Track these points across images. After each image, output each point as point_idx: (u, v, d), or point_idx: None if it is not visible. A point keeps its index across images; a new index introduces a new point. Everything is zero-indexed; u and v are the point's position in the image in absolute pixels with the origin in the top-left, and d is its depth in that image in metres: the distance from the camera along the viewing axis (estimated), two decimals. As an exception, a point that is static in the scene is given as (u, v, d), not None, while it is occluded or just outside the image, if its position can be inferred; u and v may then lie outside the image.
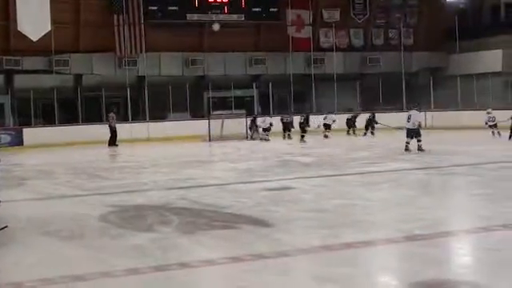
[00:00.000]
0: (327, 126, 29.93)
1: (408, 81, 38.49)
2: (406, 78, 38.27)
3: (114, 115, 29.49)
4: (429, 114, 32.66)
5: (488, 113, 27.63)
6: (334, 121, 30.09)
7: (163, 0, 34.65)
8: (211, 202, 11.20)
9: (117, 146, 28.36)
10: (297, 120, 29.86)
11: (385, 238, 8.01)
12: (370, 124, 30.53)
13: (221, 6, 35.93)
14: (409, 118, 20.37)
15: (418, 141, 20.03)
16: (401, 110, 34.48)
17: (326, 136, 29.27)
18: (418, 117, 20.54)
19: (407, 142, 20.04)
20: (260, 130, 30.19)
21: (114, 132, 28.87)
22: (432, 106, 34.49)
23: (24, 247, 8.05)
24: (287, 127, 30.40)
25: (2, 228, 4.42)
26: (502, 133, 25.36)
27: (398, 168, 15.99)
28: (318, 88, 37.55)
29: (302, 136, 27.77)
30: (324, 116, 30.50)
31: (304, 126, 28.46)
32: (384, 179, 14.01)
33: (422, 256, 6.94)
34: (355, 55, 39.42)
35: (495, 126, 26.74)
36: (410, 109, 21.39)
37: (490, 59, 36.87)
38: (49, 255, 7.71)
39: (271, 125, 29.76)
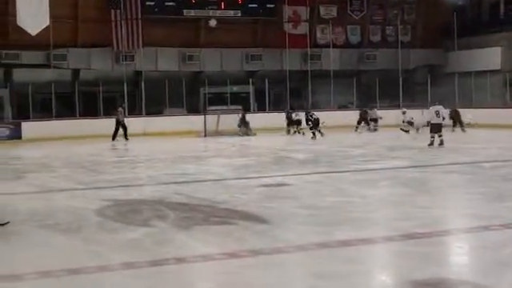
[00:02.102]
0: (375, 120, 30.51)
1: (405, 78, 38.49)
2: (403, 75, 38.26)
3: (122, 110, 29.89)
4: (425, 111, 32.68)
5: (403, 112, 27.95)
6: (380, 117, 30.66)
7: (160, -4, 34.75)
8: (207, 198, 11.22)
9: (127, 139, 28.66)
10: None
11: (382, 236, 8.01)
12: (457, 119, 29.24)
13: (217, 2, 35.92)
14: (438, 114, 20.58)
15: (440, 136, 20.41)
16: (397, 107, 34.51)
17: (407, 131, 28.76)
18: (445, 112, 21.08)
19: (433, 137, 20.37)
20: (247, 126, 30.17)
21: (123, 126, 29.10)
22: (429, 104, 34.44)
23: (23, 240, 8.08)
24: (296, 123, 30.25)
25: (4, 224, 4.45)
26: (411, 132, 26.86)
27: (394, 166, 16.02)
28: (315, 84, 37.55)
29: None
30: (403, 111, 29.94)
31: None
32: (381, 177, 14.04)
33: (419, 254, 6.94)
34: (352, 52, 39.38)
35: (411, 124, 27.45)
36: (433, 105, 21.51)
37: (489, 57, 36.69)
38: (47, 248, 7.74)
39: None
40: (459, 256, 7.23)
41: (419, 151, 19.41)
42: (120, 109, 29.87)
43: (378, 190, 12.20)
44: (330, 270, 6.39)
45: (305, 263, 6.89)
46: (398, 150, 20.06)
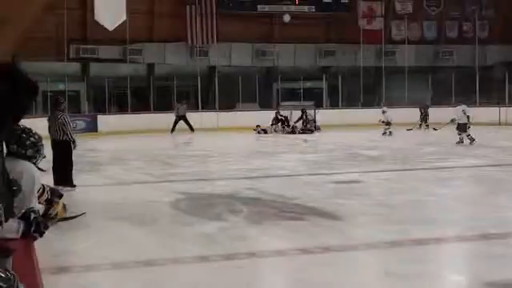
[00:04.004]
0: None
1: (482, 75, 37.56)
2: (480, 72, 37.35)
3: (179, 106, 30.93)
4: (503, 109, 31.95)
5: (384, 112, 27.06)
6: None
7: (235, -9, 35.02)
8: (279, 193, 11.23)
9: (193, 131, 29.78)
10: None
11: (457, 236, 7.87)
12: None
13: (292, -2, 35.96)
14: (464, 113, 21.18)
15: (468, 134, 20.95)
16: (474, 104, 33.76)
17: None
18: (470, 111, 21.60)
19: (460, 134, 21.04)
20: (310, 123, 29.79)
21: (185, 120, 30.20)
22: (507, 102, 33.55)
23: (97, 231, 8.26)
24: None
25: (80, 215, 4.55)
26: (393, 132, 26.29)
27: (469, 164, 15.69)
28: (389, 81, 37.10)
29: None
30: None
31: None
32: (455, 175, 13.79)
33: (496, 255, 6.77)
34: (427, 48, 38.74)
35: (389, 124, 26.76)
36: (459, 105, 22.03)
37: None
38: (121, 240, 7.90)
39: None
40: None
41: (494, 150, 18.95)
42: (178, 104, 30.95)
43: (451, 188, 11.97)
44: (400, 269, 6.30)
45: (376, 261, 6.84)
46: (472, 148, 19.62)
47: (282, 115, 30.35)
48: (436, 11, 38.68)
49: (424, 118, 30.76)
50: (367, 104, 35.42)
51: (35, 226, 3.28)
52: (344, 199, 10.50)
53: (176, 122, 30.09)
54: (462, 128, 21.11)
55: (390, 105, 33.84)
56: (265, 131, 29.36)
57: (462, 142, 20.89)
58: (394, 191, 11.53)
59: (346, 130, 29.78)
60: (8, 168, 3.19)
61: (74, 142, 12.06)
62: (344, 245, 7.38)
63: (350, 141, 24.35)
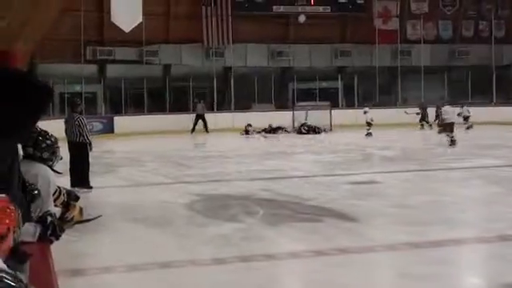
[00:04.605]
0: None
1: (498, 74, 37.31)
2: (497, 72, 37.10)
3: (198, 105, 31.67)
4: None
5: (365, 112, 27.00)
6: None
7: (250, -8, 35.05)
8: (294, 194, 11.21)
9: (208, 132, 30.14)
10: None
11: (475, 237, 7.83)
12: None
13: (307, -2, 35.91)
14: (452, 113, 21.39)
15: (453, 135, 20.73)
16: (490, 103, 33.53)
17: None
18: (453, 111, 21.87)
19: (453, 136, 20.57)
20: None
21: (203, 119, 30.73)
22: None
23: (113, 233, 8.28)
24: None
25: (96, 217, 4.57)
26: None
27: (486, 164, 15.56)
28: (404, 80, 36.93)
29: None
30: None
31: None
32: (472, 176, 13.68)
33: (512, 257, 6.71)
34: (443, 47, 38.47)
35: (370, 124, 26.66)
36: (443, 105, 22.24)
37: None
38: (137, 242, 7.91)
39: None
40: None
41: (510, 150, 18.79)
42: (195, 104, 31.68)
43: (469, 189, 11.89)
44: (418, 271, 6.26)
45: (392, 263, 6.81)
46: (486, 149, 19.48)
47: (271, 127, 30.53)
48: (452, 11, 38.46)
49: (423, 117, 30.64)
50: (383, 104, 35.25)
51: (52, 229, 3.28)
52: (360, 200, 10.46)
53: (196, 122, 30.28)
54: (450, 128, 20.70)
55: (406, 104, 33.85)
56: (247, 132, 29.56)
57: (455, 141, 20.25)
58: (410, 192, 11.46)
59: (362, 129, 29.66)
60: (23, 171, 3.20)
61: (90, 143, 12.12)
62: (361, 246, 7.34)
63: (366, 141, 24.29)
